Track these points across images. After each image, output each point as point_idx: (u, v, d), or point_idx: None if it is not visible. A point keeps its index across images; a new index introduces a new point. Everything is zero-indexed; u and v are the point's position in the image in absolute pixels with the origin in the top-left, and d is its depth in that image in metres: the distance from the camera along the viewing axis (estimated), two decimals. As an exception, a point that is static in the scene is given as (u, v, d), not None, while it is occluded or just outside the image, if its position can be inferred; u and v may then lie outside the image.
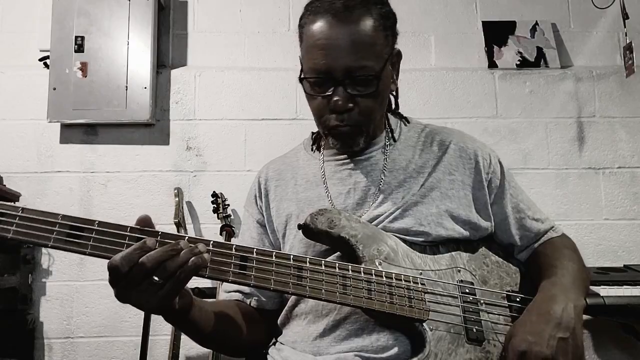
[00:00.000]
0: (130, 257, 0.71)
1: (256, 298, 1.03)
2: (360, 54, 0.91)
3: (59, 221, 0.74)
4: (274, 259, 0.83)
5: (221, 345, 1.02)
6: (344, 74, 0.92)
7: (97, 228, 0.75)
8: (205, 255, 0.76)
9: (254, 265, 0.82)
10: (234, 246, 0.82)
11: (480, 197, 1.03)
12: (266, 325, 1.05)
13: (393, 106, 1.13)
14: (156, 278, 0.73)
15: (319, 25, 0.94)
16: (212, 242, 0.80)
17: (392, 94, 1.09)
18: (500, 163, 1.07)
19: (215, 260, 0.80)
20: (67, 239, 0.74)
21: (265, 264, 0.82)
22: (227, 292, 1.06)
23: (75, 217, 0.75)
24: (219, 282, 1.79)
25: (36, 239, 0.72)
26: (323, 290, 0.83)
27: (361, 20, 0.92)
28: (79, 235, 0.74)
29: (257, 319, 1.03)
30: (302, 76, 0.98)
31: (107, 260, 0.72)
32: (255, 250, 0.83)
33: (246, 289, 1.04)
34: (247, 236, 1.10)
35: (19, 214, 0.72)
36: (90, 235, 0.74)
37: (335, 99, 0.93)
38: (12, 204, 0.73)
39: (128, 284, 0.72)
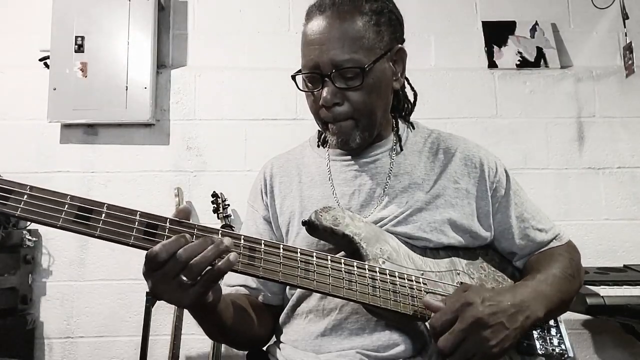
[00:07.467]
0: (170, 247, 0.71)
1: (263, 293, 1.04)
2: (346, 47, 0.92)
3: (68, 202, 0.72)
4: (281, 251, 0.83)
5: (235, 338, 1.00)
6: (330, 68, 0.93)
7: (106, 211, 0.73)
8: (232, 256, 0.75)
9: (262, 256, 0.81)
10: (242, 236, 0.81)
11: (483, 206, 1.03)
12: (273, 320, 1.06)
13: (404, 110, 1.12)
14: (185, 278, 0.72)
15: (310, 24, 0.97)
16: (220, 231, 0.79)
17: (400, 93, 1.09)
18: (506, 172, 1.07)
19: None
20: (76, 219, 0.72)
21: (272, 256, 0.82)
22: (231, 286, 1.05)
23: (84, 198, 0.73)
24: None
25: (44, 218, 0.70)
26: (330, 285, 0.84)
27: (348, 15, 0.94)
28: (88, 217, 0.72)
29: (265, 314, 1.04)
30: (293, 74, 1.00)
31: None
32: (263, 241, 0.82)
33: (252, 284, 1.03)
34: (253, 231, 1.09)
35: (27, 192, 0.70)
36: (100, 217, 0.73)
37: (323, 94, 0.95)
38: (19, 182, 0.71)
39: (163, 276, 0.72)
